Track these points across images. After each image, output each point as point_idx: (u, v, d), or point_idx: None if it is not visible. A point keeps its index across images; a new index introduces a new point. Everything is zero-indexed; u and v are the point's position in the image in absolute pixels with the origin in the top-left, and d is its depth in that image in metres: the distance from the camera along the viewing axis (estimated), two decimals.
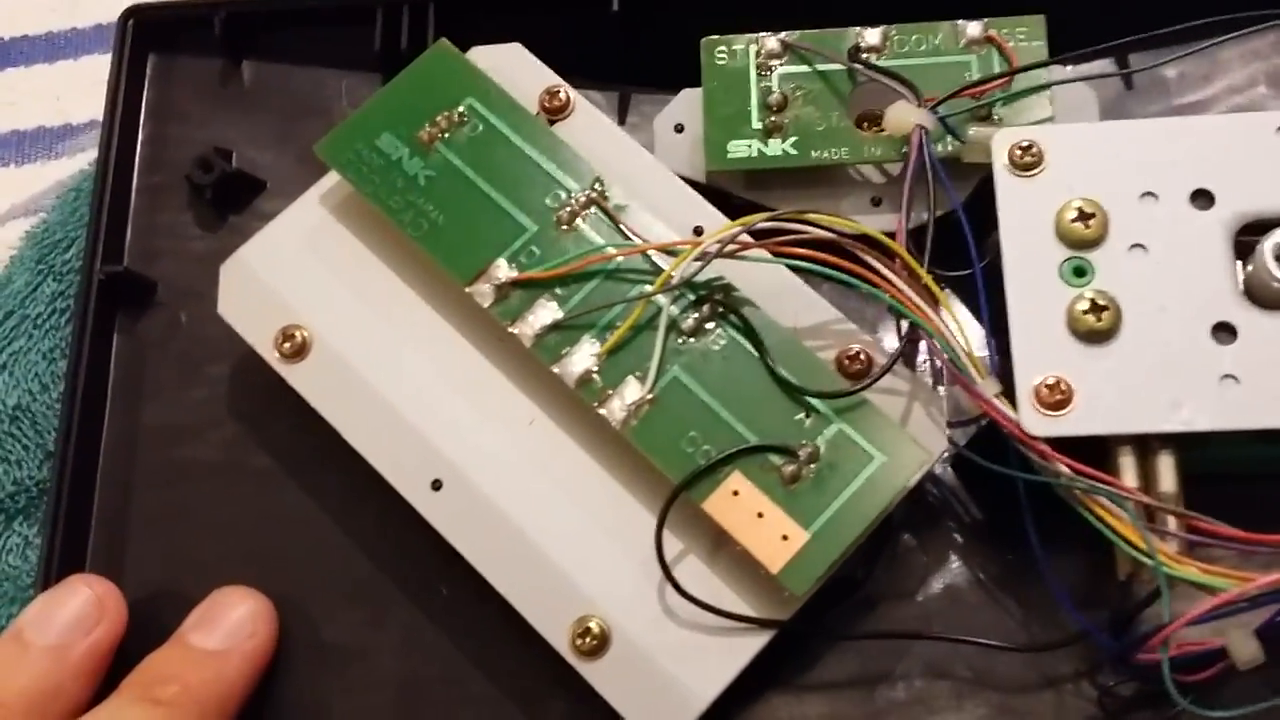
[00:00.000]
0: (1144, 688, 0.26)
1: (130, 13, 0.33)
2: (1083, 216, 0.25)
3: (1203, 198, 0.25)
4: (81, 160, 0.37)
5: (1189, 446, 0.24)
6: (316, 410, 0.27)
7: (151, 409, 0.30)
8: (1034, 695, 0.26)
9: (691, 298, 0.26)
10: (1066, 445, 0.24)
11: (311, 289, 0.28)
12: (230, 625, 0.26)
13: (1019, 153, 0.26)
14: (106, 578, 0.27)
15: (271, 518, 0.29)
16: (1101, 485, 0.23)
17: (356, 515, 0.29)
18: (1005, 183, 0.26)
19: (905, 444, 0.25)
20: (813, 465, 0.25)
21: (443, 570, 0.27)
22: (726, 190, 0.30)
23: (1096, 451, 0.25)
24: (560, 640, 0.25)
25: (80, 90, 0.39)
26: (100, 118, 0.37)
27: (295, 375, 0.27)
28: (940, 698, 0.27)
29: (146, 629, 0.27)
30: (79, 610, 0.25)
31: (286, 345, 0.27)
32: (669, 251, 0.26)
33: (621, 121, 0.32)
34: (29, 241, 0.32)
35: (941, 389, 0.29)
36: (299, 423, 0.28)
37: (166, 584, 0.28)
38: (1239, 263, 0.25)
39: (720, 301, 0.26)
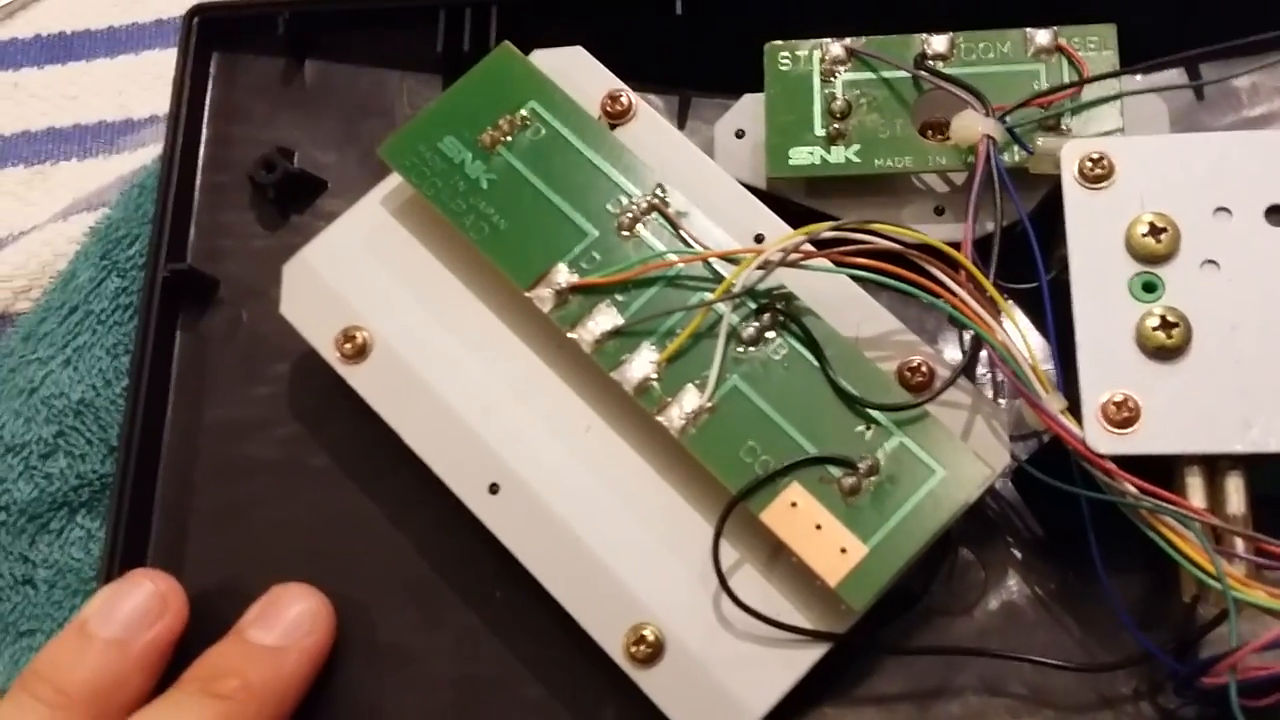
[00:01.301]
0: (1204, 711, 0.25)
1: (196, 11, 0.33)
2: (1154, 231, 0.25)
3: (1278, 214, 0.25)
4: (143, 155, 0.37)
5: (1258, 467, 0.24)
6: (376, 411, 0.27)
7: (213, 406, 0.31)
8: (1091, 715, 0.26)
9: (752, 306, 0.26)
10: (1131, 463, 0.24)
11: (373, 290, 0.28)
12: (289, 622, 0.26)
13: (1089, 164, 0.26)
14: (167, 572, 0.28)
15: (329, 516, 0.29)
16: (1168, 505, 0.23)
17: (414, 516, 0.29)
18: (1074, 195, 0.26)
19: (967, 458, 0.25)
20: (873, 478, 0.25)
21: (498, 574, 0.27)
22: (787, 197, 0.30)
23: (1162, 470, 0.24)
24: (615, 647, 0.25)
25: (141, 85, 0.40)
26: (160, 112, 0.38)
27: (356, 376, 0.28)
28: (996, 715, 0.26)
29: (205, 623, 0.28)
30: (142, 604, 0.26)
31: (347, 346, 0.28)
32: (730, 259, 0.26)
33: (681, 125, 0.32)
34: (93, 237, 0.32)
35: (1003, 402, 0.29)
36: (358, 423, 0.28)
37: (225, 579, 0.29)
38: None
39: (781, 310, 0.26)
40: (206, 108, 0.33)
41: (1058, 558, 0.27)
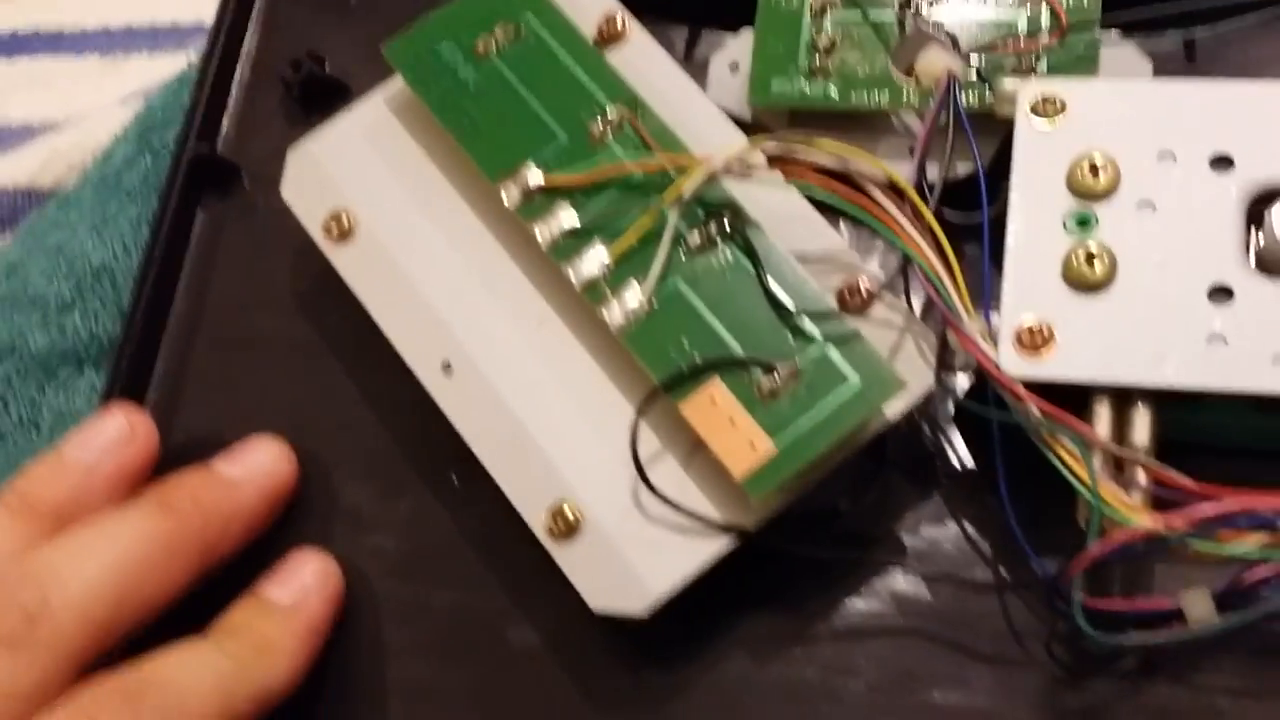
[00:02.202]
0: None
1: None
2: (1094, 169, 0.25)
3: (1223, 163, 0.25)
4: (184, 58, 0.40)
5: (1173, 406, 0.24)
6: (351, 288, 0.29)
7: (221, 283, 0.33)
8: (1001, 638, 0.26)
9: (702, 215, 0.27)
10: (1047, 392, 0.24)
11: (365, 180, 0.30)
12: (252, 460, 0.29)
13: (1042, 103, 0.26)
14: (159, 424, 0.30)
15: (312, 388, 0.31)
16: (1066, 428, 0.23)
17: (386, 397, 0.31)
18: (1024, 130, 0.26)
19: (885, 374, 0.25)
20: (792, 383, 0.26)
21: (455, 460, 0.28)
22: (771, 130, 0.31)
23: (1078, 402, 0.25)
24: (536, 520, 0.26)
25: None
26: (207, 22, 0.40)
27: (338, 255, 0.30)
28: (904, 629, 0.27)
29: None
30: (112, 433, 0.28)
31: (334, 227, 0.30)
32: (684, 167, 0.27)
33: (688, 59, 0.33)
34: (135, 122, 0.35)
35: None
36: (349, 309, 0.30)
37: (210, 432, 0.31)
38: (1253, 230, 0.25)
39: (729, 221, 0.27)
40: (254, 11, 0.36)
41: (988, 490, 0.28)
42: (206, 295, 0.33)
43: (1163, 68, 0.30)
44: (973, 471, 0.28)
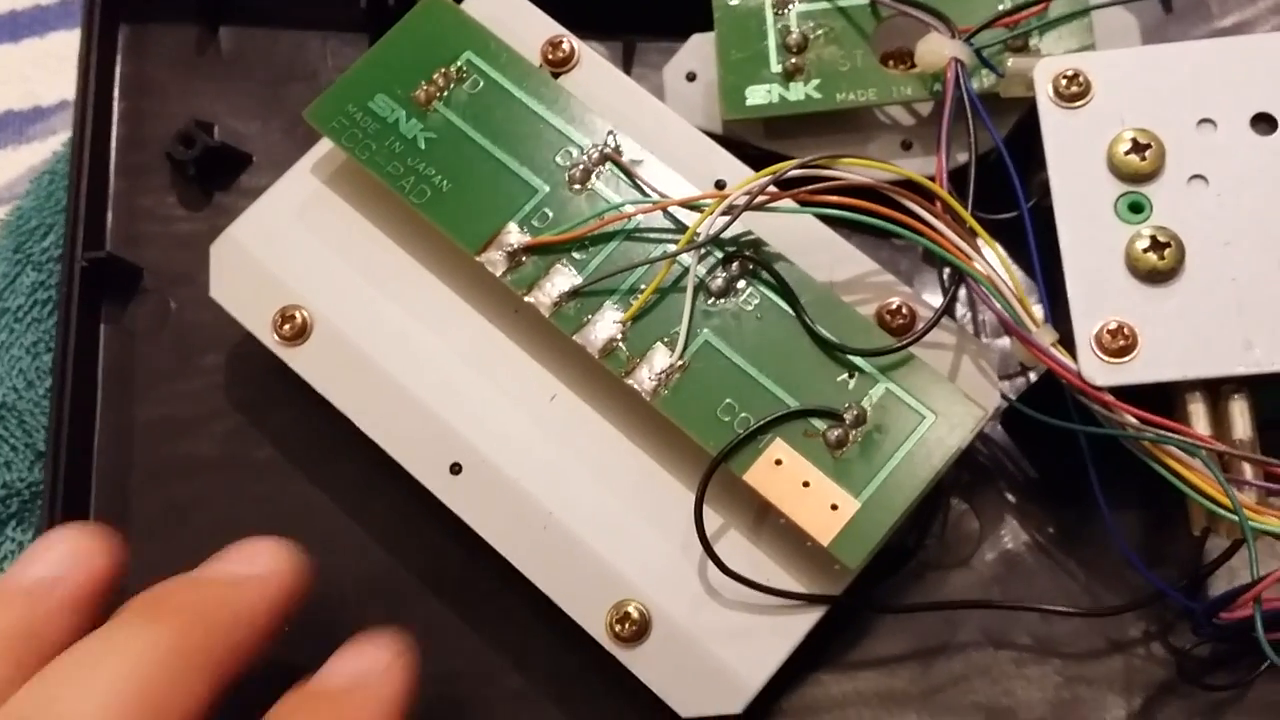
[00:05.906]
0: (1220, 648, 0.24)
1: None
2: (1137, 148, 0.24)
3: (1264, 122, 0.24)
4: (54, 143, 0.35)
5: (1263, 389, 0.23)
6: (322, 395, 0.25)
7: (146, 402, 0.28)
8: (1102, 660, 0.25)
9: (719, 255, 0.24)
10: (1130, 394, 0.22)
11: (309, 265, 0.26)
12: (245, 554, 0.23)
13: (1064, 82, 0.24)
14: None
15: (280, 511, 0.27)
16: (1173, 435, 0.22)
17: (371, 504, 0.27)
18: (1051, 115, 0.24)
19: (957, 401, 0.23)
20: (860, 429, 0.23)
21: (466, 559, 0.26)
22: (744, 140, 0.28)
23: (1162, 399, 0.23)
24: (598, 627, 0.24)
25: (49, 70, 0.37)
26: (70, 97, 0.35)
27: (297, 359, 0.26)
28: (1002, 667, 0.25)
29: None
30: (59, 554, 0.22)
31: (286, 327, 0.26)
32: (692, 207, 0.25)
33: (627, 72, 0.30)
34: (3, 230, 0.30)
35: (984, 339, 0.27)
36: (304, 409, 0.26)
37: None
38: None
39: (750, 258, 0.24)
40: (116, 84, 0.31)
41: (1053, 500, 0.26)
42: (133, 423, 0.28)
43: (1140, 19, 0.28)
44: (1035, 480, 0.26)
